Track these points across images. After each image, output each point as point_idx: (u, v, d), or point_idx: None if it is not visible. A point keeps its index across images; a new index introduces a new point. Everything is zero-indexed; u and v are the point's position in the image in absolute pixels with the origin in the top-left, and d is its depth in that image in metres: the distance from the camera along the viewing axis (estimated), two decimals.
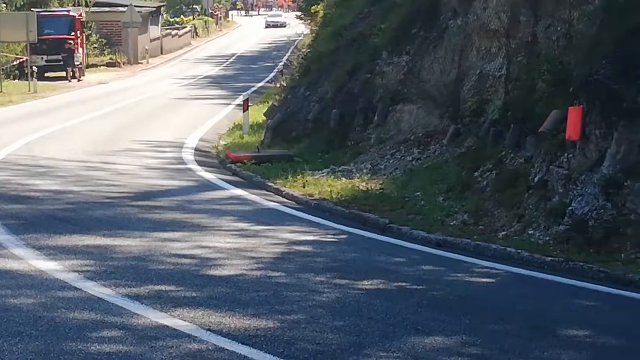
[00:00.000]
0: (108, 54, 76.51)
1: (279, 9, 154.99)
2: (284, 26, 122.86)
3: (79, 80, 61.31)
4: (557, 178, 16.58)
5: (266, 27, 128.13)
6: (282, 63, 62.41)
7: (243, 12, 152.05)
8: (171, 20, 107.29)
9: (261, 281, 12.53)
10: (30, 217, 16.86)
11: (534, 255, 14.19)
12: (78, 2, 76.22)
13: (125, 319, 10.06)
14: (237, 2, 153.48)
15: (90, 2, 78.16)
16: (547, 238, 15.12)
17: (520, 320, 10.98)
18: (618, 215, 14.77)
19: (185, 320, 9.91)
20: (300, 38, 60.89)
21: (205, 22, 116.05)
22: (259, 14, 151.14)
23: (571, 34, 18.00)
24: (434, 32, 23.91)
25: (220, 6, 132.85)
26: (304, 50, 39.62)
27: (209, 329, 9.58)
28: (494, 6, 21.16)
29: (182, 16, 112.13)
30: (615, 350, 9.82)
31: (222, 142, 31.90)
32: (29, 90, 52.03)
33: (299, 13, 65.13)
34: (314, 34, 39.10)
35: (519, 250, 14.51)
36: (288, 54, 63.38)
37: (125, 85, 61.13)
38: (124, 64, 75.64)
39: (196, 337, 9.37)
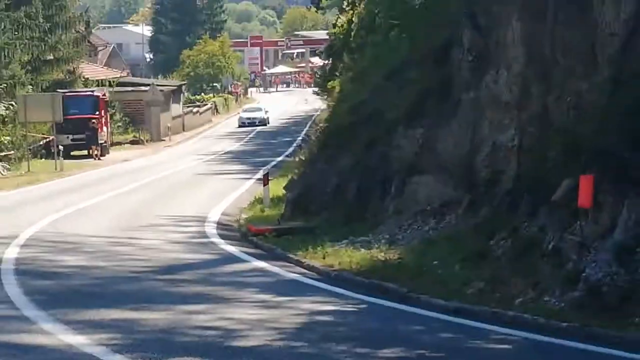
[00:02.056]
0: (132, 132, 77.39)
1: (297, 85, 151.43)
2: (265, 124, 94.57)
3: (100, 159, 61.76)
4: (571, 245, 16.57)
5: (240, 126, 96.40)
6: (300, 138, 62.56)
7: (262, 89, 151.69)
8: (192, 98, 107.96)
9: (284, 351, 12.55)
10: (58, 293, 16.92)
11: (550, 321, 14.13)
12: (102, 82, 76.97)
13: None
14: (256, 80, 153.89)
15: (113, 82, 79.06)
16: (562, 304, 15.10)
17: None
18: (632, 281, 14.77)
19: None
20: (317, 113, 60.95)
21: (225, 99, 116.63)
22: (277, 91, 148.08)
23: (581, 105, 18.06)
24: (448, 106, 24.01)
25: (239, 84, 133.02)
26: (321, 125, 39.75)
27: None
28: (505, 79, 21.26)
29: (202, 94, 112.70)
30: None
31: (244, 216, 32.07)
32: (56, 169, 52.52)
33: (315, 89, 65.33)
34: (331, 109, 39.26)
35: (535, 317, 14.46)
36: (306, 128, 63.46)
37: (148, 162, 61.57)
38: (147, 141, 76.46)
39: None
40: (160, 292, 17.52)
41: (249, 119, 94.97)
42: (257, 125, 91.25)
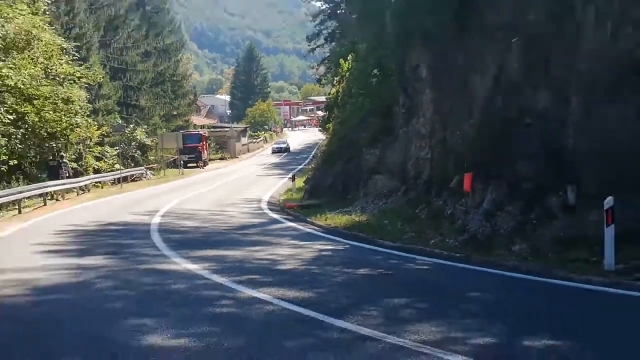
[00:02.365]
0: (220, 153, 77.13)
1: (310, 126, 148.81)
2: (288, 150, 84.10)
3: (203, 168, 61.93)
4: (460, 212, 16.60)
5: (272, 152, 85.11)
6: (312, 155, 62.48)
7: (290, 129, 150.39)
8: (252, 134, 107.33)
9: (304, 271, 12.58)
10: (181, 241, 16.92)
11: (450, 253, 14.17)
12: (203, 126, 77.63)
13: (234, 294, 10.11)
14: (287, 124, 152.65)
15: (210, 126, 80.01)
16: (456, 244, 15.09)
17: (441, 288, 10.98)
18: (493, 231, 14.78)
19: (265, 294, 9.93)
20: (321, 141, 60.90)
21: (271, 134, 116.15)
22: (299, 130, 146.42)
23: (464, 136, 18.07)
24: (391, 138, 23.99)
25: (277, 126, 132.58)
26: (323, 148, 39.83)
27: (278, 298, 9.61)
28: (422, 122, 21.25)
29: (258, 132, 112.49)
30: (489, 301, 9.80)
31: (282, 198, 32.02)
32: (179, 174, 52.40)
33: (319, 128, 64.93)
34: (328, 140, 39.23)
35: (442, 251, 14.48)
36: (315, 150, 63.40)
37: (230, 169, 61.36)
38: (228, 158, 76.36)
39: (272, 302, 9.40)
40: (237, 240, 17.50)
41: (277, 148, 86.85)
42: (283, 152, 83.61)
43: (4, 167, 26.88)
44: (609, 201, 11.47)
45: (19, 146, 25.74)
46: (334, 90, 43.28)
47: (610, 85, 13.46)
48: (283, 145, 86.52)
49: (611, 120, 13.33)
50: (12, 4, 24.95)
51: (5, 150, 24.77)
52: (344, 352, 7.13)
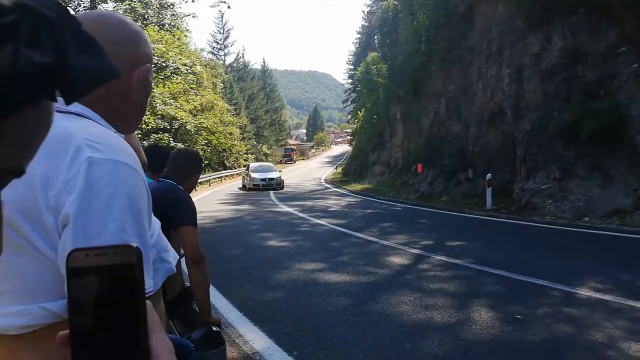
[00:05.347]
0: (301, 157, 76.35)
1: (345, 143, 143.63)
2: (275, 184, 20.92)
3: (293, 164, 60.98)
4: (416, 182, 16.26)
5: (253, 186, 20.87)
6: (345, 157, 61.69)
7: (334, 144, 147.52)
8: (317, 147, 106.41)
9: (341, 211, 12.42)
10: (284, 198, 16.85)
11: (412, 202, 13.87)
12: (293, 145, 76.51)
13: (308, 221, 9.88)
14: (333, 142, 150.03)
15: (297, 144, 78.56)
16: (413, 197, 14.86)
17: (406, 218, 10.77)
18: (432, 191, 14.49)
19: (323, 221, 9.69)
20: (349, 151, 60.22)
21: (326, 147, 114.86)
22: (339, 145, 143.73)
23: (419, 146, 17.66)
24: (382, 147, 23.63)
25: (329, 141, 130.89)
26: (349, 154, 39.37)
27: (329, 223, 9.48)
28: (397, 139, 20.77)
29: (320, 147, 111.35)
30: (430, 224, 9.59)
31: (331, 177, 31.66)
32: (285, 166, 52.21)
33: (349, 145, 63.84)
34: (352, 149, 38.80)
35: (407, 201, 14.20)
36: (346, 155, 62.66)
37: (306, 164, 60.68)
38: (305, 159, 75.62)
39: (326, 225, 9.20)
40: (309, 197, 17.31)
41: (262, 180, 24.22)
42: (270, 187, 28.03)
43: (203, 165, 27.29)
44: (489, 176, 11.25)
45: (208, 155, 26.29)
46: (355, 126, 42.78)
47: (489, 121, 13.09)
48: (269, 176, 21.58)
49: (489, 138, 13.00)
50: (204, 89, 25.55)
51: (203, 158, 25.34)
52: (360, 248, 7.15)
